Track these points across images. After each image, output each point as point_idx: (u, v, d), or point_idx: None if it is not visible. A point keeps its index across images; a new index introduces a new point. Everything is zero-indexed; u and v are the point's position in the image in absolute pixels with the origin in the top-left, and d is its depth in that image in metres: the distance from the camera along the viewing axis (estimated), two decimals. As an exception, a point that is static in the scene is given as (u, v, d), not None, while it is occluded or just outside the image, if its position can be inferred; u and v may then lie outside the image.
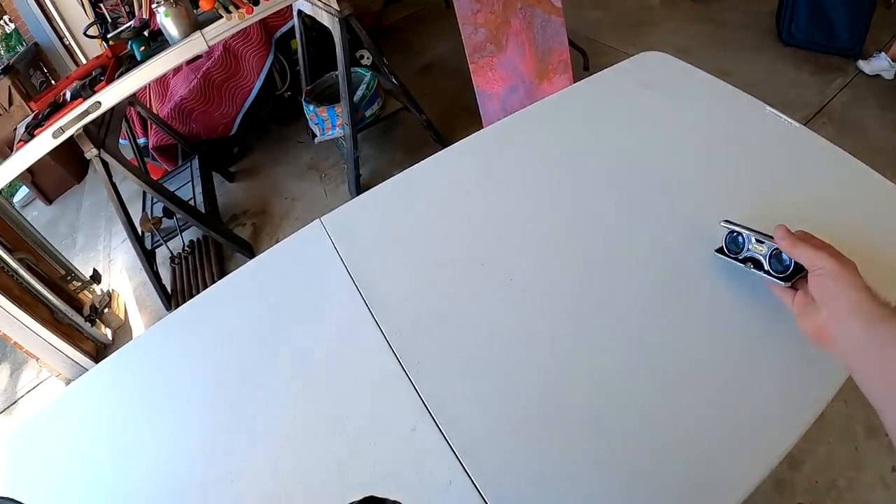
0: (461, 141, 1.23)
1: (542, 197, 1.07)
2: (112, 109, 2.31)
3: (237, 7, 2.31)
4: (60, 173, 4.49)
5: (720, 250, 0.88)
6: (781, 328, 0.77)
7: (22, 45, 5.58)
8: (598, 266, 0.92)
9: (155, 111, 3.50)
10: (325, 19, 2.69)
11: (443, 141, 2.99)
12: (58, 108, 2.25)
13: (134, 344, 1.06)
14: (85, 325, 2.69)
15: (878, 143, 3.11)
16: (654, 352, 0.79)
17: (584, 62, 3.45)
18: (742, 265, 0.85)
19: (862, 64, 3.32)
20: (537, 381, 0.79)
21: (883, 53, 3.22)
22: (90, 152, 2.31)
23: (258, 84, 3.33)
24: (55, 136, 2.16)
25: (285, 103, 3.60)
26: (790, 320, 0.72)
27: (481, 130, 1.26)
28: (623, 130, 1.19)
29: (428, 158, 1.21)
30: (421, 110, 2.85)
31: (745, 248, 0.85)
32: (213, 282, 2.66)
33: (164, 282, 2.80)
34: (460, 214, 1.08)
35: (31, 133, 2.16)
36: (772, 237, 0.78)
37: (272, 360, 0.93)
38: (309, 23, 3.18)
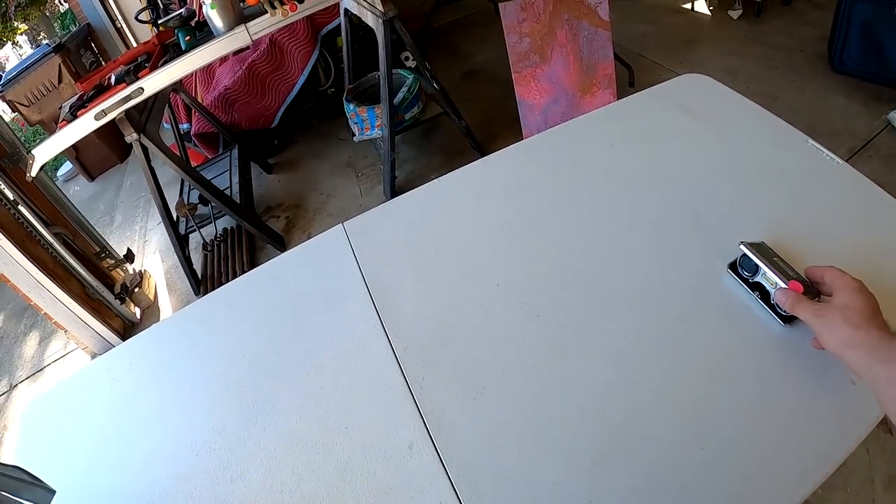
0: (491, 155, 1.22)
1: (565, 219, 1.05)
2: (155, 96, 2.35)
3: (282, 3, 2.33)
4: (104, 151, 4.60)
5: (733, 266, 0.87)
6: (806, 367, 0.75)
7: (75, 24, 5.72)
8: (616, 297, 0.90)
9: (199, 99, 3.56)
10: (369, 20, 2.71)
11: (481, 148, 2.98)
12: (102, 90, 2.29)
13: (155, 329, 1.08)
14: (115, 303, 2.75)
15: None
16: (667, 390, 0.77)
17: (630, 78, 3.41)
18: (749, 291, 0.83)
19: None
20: (543, 411, 0.77)
21: None
22: (130, 136, 2.35)
23: (302, 79, 3.36)
24: (97, 118, 2.21)
25: (328, 99, 3.63)
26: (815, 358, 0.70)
27: (513, 145, 1.24)
28: (657, 154, 1.17)
29: (455, 171, 1.21)
30: (461, 116, 2.85)
31: (758, 274, 0.82)
32: (243, 271, 2.72)
33: (195, 267, 2.85)
34: (482, 231, 1.06)
35: (74, 113, 2.21)
36: (787, 275, 0.77)
37: (282, 361, 0.93)
38: (356, 21, 3.20)
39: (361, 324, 0.94)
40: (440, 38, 4.65)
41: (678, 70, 3.57)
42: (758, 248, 0.83)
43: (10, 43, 10.43)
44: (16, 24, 8.79)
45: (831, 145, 3.19)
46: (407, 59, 3.52)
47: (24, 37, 10.36)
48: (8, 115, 4.82)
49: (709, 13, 4.38)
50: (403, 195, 1.20)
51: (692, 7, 4.48)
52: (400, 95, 2.81)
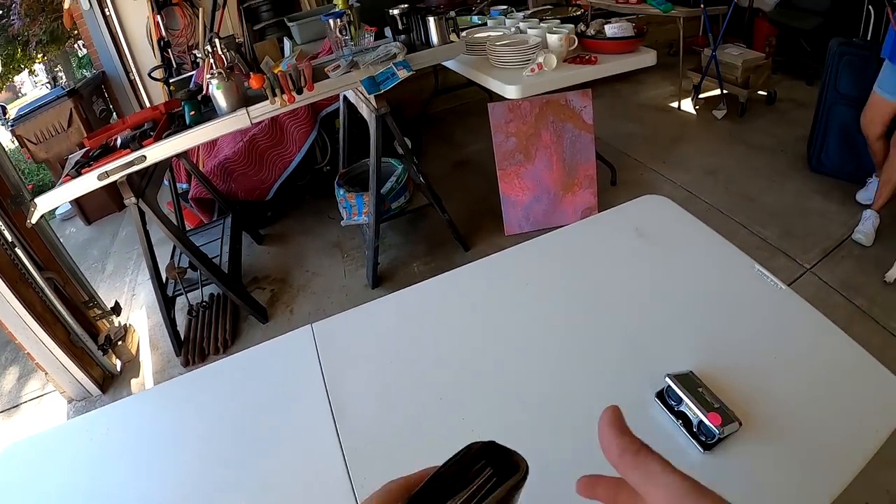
0: (456, 270, 1.31)
1: (512, 339, 1.13)
2: (156, 164, 2.46)
3: (282, 92, 2.46)
4: (104, 198, 4.71)
5: (660, 395, 0.92)
6: None
7: (91, 69, 5.91)
8: (550, 420, 0.96)
9: (200, 163, 3.69)
10: (364, 111, 2.85)
11: (463, 241, 3.09)
12: (108, 150, 2.41)
13: (134, 400, 1.20)
14: (97, 353, 2.81)
15: None
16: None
17: (612, 177, 3.55)
18: (673, 418, 0.89)
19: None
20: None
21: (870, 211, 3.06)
22: (129, 200, 2.46)
23: (299, 157, 3.50)
24: (100, 178, 2.31)
25: (323, 177, 3.76)
26: None
27: (476, 262, 1.34)
28: (606, 277, 1.26)
29: (423, 283, 1.30)
30: (444, 210, 2.96)
31: (682, 404, 0.88)
32: (225, 340, 2.80)
33: (178, 329, 2.90)
34: (435, 345, 1.15)
35: (79, 171, 2.31)
36: (708, 406, 0.84)
37: (240, 448, 1.01)
38: (355, 106, 3.36)
39: (316, 422, 1.02)
40: (436, 125, 4.82)
41: (661, 170, 3.72)
42: (683, 379, 0.90)
43: (27, 70, 10.75)
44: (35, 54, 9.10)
45: (805, 246, 3.35)
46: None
47: (42, 65, 10.67)
48: (11, 144, 4.93)
49: (694, 112, 4.58)
50: (372, 303, 1.27)
51: (679, 106, 4.69)
52: (388, 185, 2.93)
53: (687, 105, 4.69)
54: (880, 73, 2.91)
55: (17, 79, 11.59)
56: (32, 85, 12.94)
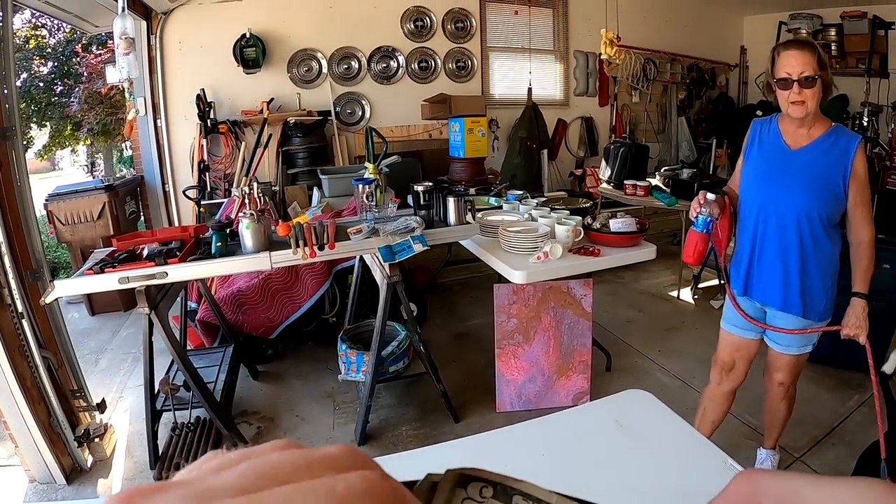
0: (433, 447, 1.36)
1: None
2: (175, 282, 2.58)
3: (306, 244, 2.62)
4: (113, 295, 4.81)
5: None
6: None
7: (130, 169, 6.20)
8: None
9: (214, 288, 3.82)
10: (377, 275, 3.00)
11: (455, 412, 3.12)
12: (133, 257, 2.54)
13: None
14: (72, 443, 2.80)
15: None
16: None
17: (608, 363, 3.64)
18: None
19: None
20: None
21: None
22: (143, 309, 2.55)
23: (309, 304, 3.64)
24: (121, 282, 2.42)
25: (328, 327, 3.89)
26: None
27: (456, 440, 1.38)
28: (580, 470, 1.28)
29: (405, 452, 1.34)
30: (440, 381, 3.03)
31: None
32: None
33: (158, 442, 2.89)
34: None
35: (102, 269, 2.42)
36: None
37: None
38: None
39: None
40: (444, 294, 4.98)
41: (656, 358, 3.81)
42: None
43: (70, 148, 11.28)
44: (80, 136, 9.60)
45: (795, 435, 3.35)
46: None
47: (84, 147, 11.21)
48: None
49: (692, 301, 4.73)
50: None
51: (678, 295, 4.85)
52: (389, 349, 3.03)
53: (686, 294, 4.85)
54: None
55: (58, 153, 12.19)
56: (71, 163, 13.51)
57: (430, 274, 4.81)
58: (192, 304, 3.85)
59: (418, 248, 2.76)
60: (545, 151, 5.70)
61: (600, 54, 4.83)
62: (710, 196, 2.25)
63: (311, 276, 3.62)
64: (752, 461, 2.93)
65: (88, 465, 2.92)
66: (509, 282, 2.88)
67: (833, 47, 6.53)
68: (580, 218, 3.08)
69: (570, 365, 3.16)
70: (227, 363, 3.42)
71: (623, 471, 1.29)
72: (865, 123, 6.22)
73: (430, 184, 3.06)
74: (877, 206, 4.83)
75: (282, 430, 3.19)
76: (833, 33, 6.57)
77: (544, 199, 3.62)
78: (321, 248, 2.67)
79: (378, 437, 3.06)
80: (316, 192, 4.34)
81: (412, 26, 5.48)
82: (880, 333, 3.76)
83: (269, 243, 2.66)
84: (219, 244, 2.60)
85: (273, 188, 3.90)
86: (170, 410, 3.04)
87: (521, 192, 3.61)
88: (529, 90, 5.81)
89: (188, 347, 3.67)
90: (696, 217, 2.25)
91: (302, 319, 3.71)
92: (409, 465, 1.30)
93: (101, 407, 3.13)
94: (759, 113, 6.40)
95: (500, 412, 3.18)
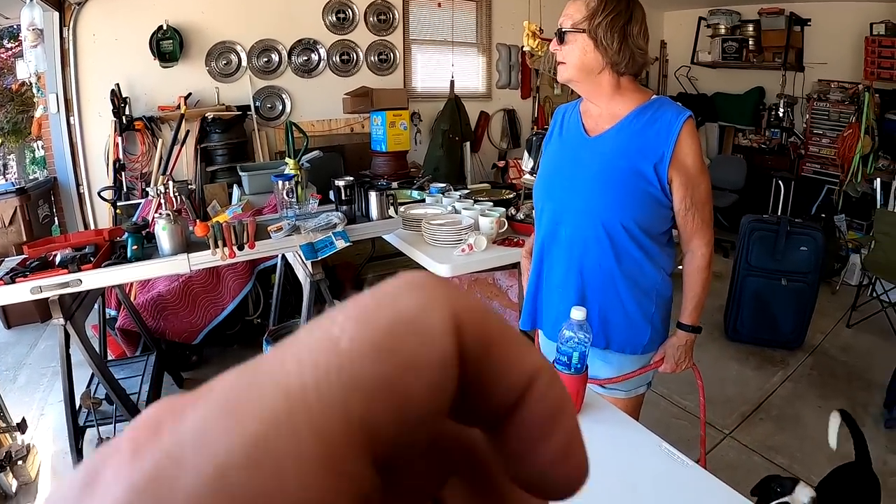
0: None
1: None
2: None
3: (225, 244, 2.53)
4: (28, 305, 4.53)
5: None
6: None
7: (42, 171, 5.86)
8: None
9: (133, 295, 3.67)
10: (300, 273, 2.95)
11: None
12: (46, 265, 2.40)
13: None
14: None
15: (813, 435, 3.18)
16: None
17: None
18: None
19: None
20: None
21: None
22: (57, 320, 2.43)
23: (231, 306, 3.54)
24: (32, 292, 2.30)
25: (253, 329, 3.79)
26: None
27: None
28: None
29: None
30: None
31: None
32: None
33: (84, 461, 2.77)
34: None
35: (13, 278, 2.29)
36: None
37: None
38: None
39: None
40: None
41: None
42: None
43: None
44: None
45: (724, 411, 3.48)
46: (332, 306, 3.78)
47: None
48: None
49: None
50: None
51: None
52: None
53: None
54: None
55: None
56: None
57: (355, 270, 4.75)
58: (111, 312, 3.69)
59: (340, 244, 2.73)
60: (468, 144, 5.71)
61: (523, 46, 4.86)
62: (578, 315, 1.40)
63: (233, 276, 3.53)
64: (683, 442, 3.01)
65: (14, 489, 2.76)
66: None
67: (751, 42, 6.81)
68: (503, 209, 3.10)
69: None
70: (150, 372, 3.30)
71: None
72: (781, 114, 6.54)
73: (352, 178, 3.02)
74: (793, 193, 5.08)
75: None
76: (751, 29, 6.83)
77: (467, 191, 3.62)
78: (241, 247, 2.60)
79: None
80: (236, 189, 4.23)
81: (334, 18, 5.37)
82: (801, 312, 3.97)
83: (188, 244, 2.57)
84: (134, 248, 2.48)
85: (190, 187, 3.76)
86: (93, 426, 2.91)
87: (443, 185, 3.60)
88: (452, 83, 5.81)
89: (109, 358, 3.52)
90: (564, 346, 1.41)
91: (226, 322, 3.61)
92: None
93: (22, 427, 2.95)
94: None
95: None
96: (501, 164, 5.55)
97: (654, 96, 1.68)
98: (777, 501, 1.58)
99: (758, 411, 3.38)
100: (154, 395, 3.18)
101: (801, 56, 6.46)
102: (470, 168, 5.77)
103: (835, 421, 2.22)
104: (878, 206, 5.21)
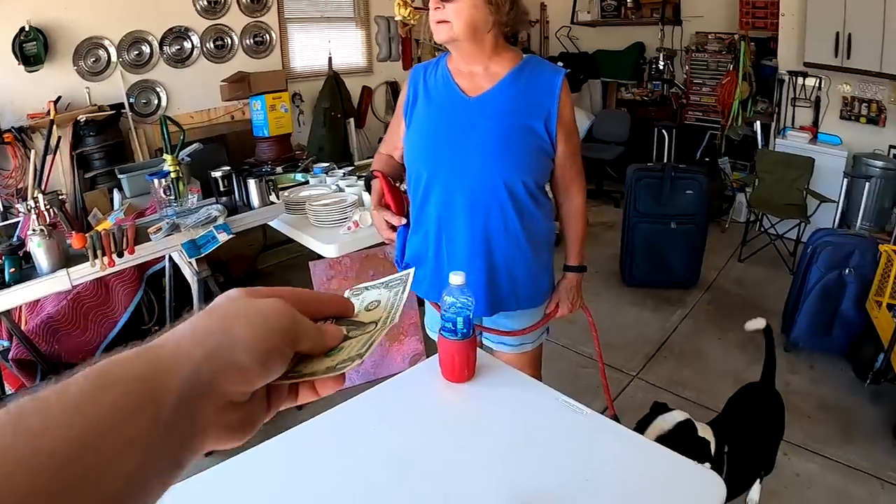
0: (283, 435, 1.30)
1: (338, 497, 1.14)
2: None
3: (104, 253, 2.42)
4: None
5: None
6: None
7: None
8: None
9: (23, 321, 3.47)
10: (186, 273, 2.86)
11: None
12: None
13: None
14: None
15: (716, 367, 3.40)
16: None
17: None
18: None
19: None
20: None
21: None
22: None
23: (125, 317, 3.39)
24: None
25: (152, 337, 3.63)
26: None
27: (296, 428, 1.32)
28: (424, 427, 1.31)
29: (243, 454, 1.23)
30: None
31: None
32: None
33: None
34: None
35: None
36: None
37: None
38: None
39: None
40: (266, 280, 4.73)
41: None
42: None
43: None
44: None
45: (628, 355, 3.63)
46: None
47: None
48: None
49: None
50: (193, 478, 1.18)
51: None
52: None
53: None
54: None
55: None
56: None
57: (249, 261, 4.64)
58: (2, 343, 3.48)
59: (223, 237, 2.66)
60: (351, 120, 5.63)
61: (395, 17, 4.82)
62: (457, 280, 1.38)
63: (122, 286, 3.38)
64: (590, 390, 3.09)
65: None
66: (324, 257, 2.84)
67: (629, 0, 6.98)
68: (387, 181, 3.07)
69: (401, 329, 3.19)
70: (50, 399, 3.13)
71: (460, 425, 1.33)
72: (662, 67, 6.77)
73: (229, 168, 2.94)
74: (676, 140, 5.28)
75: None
76: (629, -15, 6.96)
77: (351, 168, 3.58)
78: (120, 254, 2.49)
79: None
80: (117, 194, 4.03)
81: (205, 3, 5.14)
82: (693, 252, 4.15)
83: (67, 259, 2.44)
84: (11, 270, 2.34)
85: (60, 197, 3.56)
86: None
87: (327, 165, 3.55)
88: (330, 60, 5.71)
89: (7, 392, 3.31)
90: (447, 313, 1.40)
91: (122, 334, 3.46)
92: (252, 465, 1.22)
93: None
94: (559, 64, 6.75)
95: (340, 390, 3.15)
96: (387, 136, 5.54)
97: (524, 55, 1.72)
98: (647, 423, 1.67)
99: (661, 350, 3.54)
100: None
101: (678, 10, 6.67)
102: (356, 144, 5.70)
103: (758, 323, 2.50)
104: (760, 147, 5.50)
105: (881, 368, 3.01)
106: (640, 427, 1.71)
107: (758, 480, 2.39)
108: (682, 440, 1.63)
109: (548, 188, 1.85)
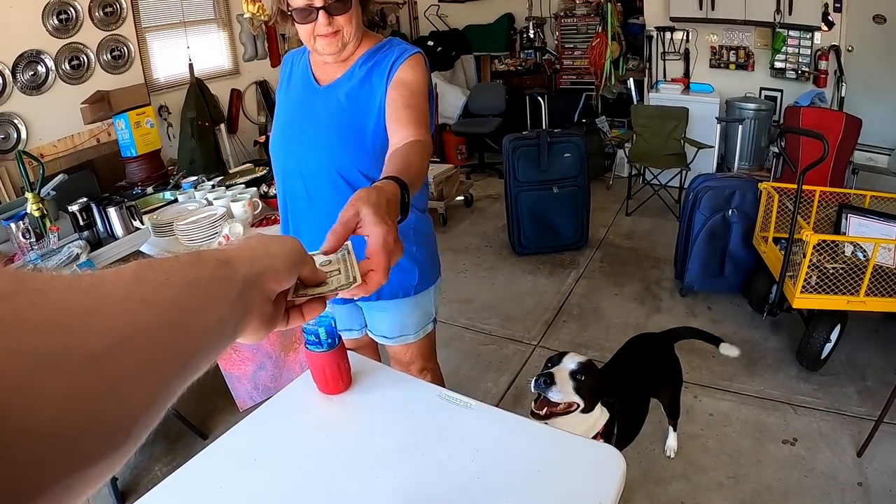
0: (189, 463, 1.32)
1: None
2: None
3: None
4: None
5: None
6: None
7: None
8: None
9: None
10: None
11: (198, 429, 2.90)
12: None
13: None
14: None
15: (616, 322, 3.50)
16: None
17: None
18: None
19: None
20: None
21: None
22: None
23: None
24: None
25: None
26: None
27: (199, 454, 1.34)
28: (317, 431, 1.32)
29: (151, 491, 1.25)
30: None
31: None
32: None
33: None
34: None
35: None
36: None
37: None
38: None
39: None
40: None
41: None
42: None
43: None
44: None
45: (528, 324, 3.68)
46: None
47: None
48: None
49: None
50: None
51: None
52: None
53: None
54: None
55: None
56: None
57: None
58: None
59: (87, 274, 2.51)
60: (222, 127, 5.44)
61: (243, 14, 4.65)
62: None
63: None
64: (496, 364, 3.11)
65: None
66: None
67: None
68: (255, 188, 2.99)
69: (293, 338, 3.12)
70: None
71: (353, 432, 1.34)
72: (532, 36, 6.91)
73: (86, 199, 2.78)
74: (550, 105, 5.38)
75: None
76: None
77: (221, 177, 3.46)
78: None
79: (135, 489, 2.69)
80: (-18, 242, 3.74)
81: (56, 21, 4.81)
82: (579, 213, 4.25)
83: None
84: None
85: None
86: None
87: (195, 179, 3.41)
88: (191, 66, 5.43)
89: None
90: (308, 326, 1.35)
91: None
92: (167, 496, 1.23)
93: None
94: (430, 44, 6.77)
95: (243, 410, 3.05)
96: (262, 139, 5.36)
97: (385, 38, 1.67)
98: (543, 372, 1.67)
99: (560, 315, 3.60)
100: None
101: (544, -21, 6.76)
102: (230, 151, 5.52)
103: (733, 351, 2.45)
104: (635, 103, 5.69)
105: (776, 300, 3.18)
106: (551, 363, 1.72)
107: (671, 429, 2.51)
108: (596, 371, 1.72)
109: None
